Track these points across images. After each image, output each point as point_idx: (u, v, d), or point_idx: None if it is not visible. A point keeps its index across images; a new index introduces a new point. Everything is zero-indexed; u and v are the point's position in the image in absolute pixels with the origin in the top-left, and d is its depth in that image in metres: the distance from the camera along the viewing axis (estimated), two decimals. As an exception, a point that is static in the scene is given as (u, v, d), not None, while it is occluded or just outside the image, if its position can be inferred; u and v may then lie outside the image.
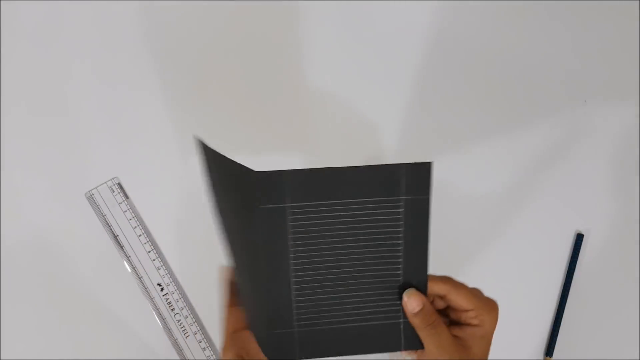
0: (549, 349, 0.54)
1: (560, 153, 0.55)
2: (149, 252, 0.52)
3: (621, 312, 0.55)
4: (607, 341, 0.55)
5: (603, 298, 0.55)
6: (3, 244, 0.51)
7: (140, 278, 0.51)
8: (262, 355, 0.38)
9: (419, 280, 0.38)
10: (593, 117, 0.55)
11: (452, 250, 0.54)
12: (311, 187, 0.37)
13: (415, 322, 0.38)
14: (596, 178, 0.55)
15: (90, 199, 0.51)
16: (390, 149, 0.54)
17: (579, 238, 0.54)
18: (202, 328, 0.52)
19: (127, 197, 0.51)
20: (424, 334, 0.38)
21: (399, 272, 0.38)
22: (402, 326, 0.39)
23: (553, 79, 0.55)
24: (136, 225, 0.51)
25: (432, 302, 0.38)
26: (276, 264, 0.38)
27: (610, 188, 0.55)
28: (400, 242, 0.38)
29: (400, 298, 0.38)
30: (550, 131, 0.55)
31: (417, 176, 0.37)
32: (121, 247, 0.51)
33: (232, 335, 0.39)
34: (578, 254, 0.54)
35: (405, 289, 0.38)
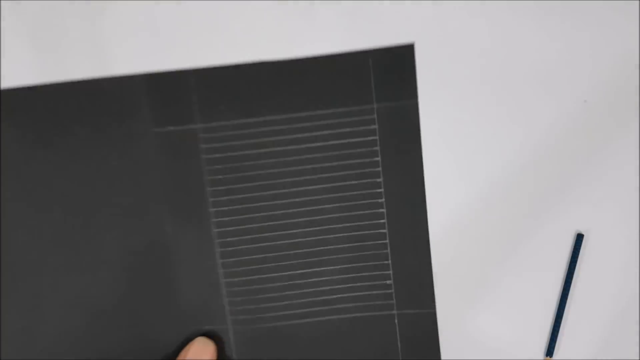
0: (550, 349, 0.54)
1: (560, 152, 0.55)
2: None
3: (622, 312, 0.55)
4: (608, 341, 0.55)
5: (604, 298, 0.55)
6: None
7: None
8: None
9: (418, 250, 0.25)
10: (593, 116, 0.55)
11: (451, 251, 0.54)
12: (231, 96, 0.23)
13: None
14: (597, 178, 0.55)
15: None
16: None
17: (579, 238, 0.54)
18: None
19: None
20: None
21: (383, 230, 0.24)
22: (396, 319, 0.27)
23: (552, 78, 0.55)
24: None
25: None
26: (190, 224, 0.24)
27: (611, 188, 0.55)
28: (379, 180, 0.24)
29: (390, 274, 0.25)
30: (550, 130, 0.55)
31: (395, 69, 0.24)
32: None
33: None
34: (578, 254, 0.54)
35: (395, 264, 0.24)
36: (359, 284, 0.24)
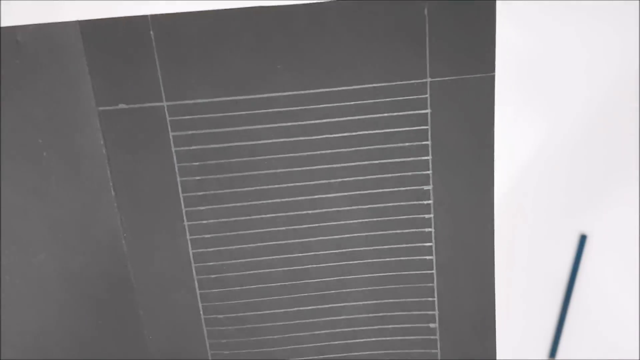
0: (553, 350, 0.55)
1: (560, 152, 0.55)
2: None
3: (624, 313, 0.55)
4: (609, 342, 0.55)
5: (606, 299, 0.55)
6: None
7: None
8: None
9: (476, 283, 0.18)
10: (593, 115, 0.55)
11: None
12: (216, 57, 0.14)
13: None
14: (599, 178, 0.55)
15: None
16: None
17: (583, 239, 0.54)
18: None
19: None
20: None
21: (429, 244, 0.17)
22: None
23: (551, 78, 0.55)
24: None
25: None
26: (163, 232, 0.16)
27: (614, 188, 0.55)
28: (428, 187, 0.16)
29: (435, 315, 0.16)
30: (550, 130, 0.55)
31: (459, 29, 0.15)
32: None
33: None
34: (581, 255, 0.54)
35: (443, 301, 0.17)
36: (390, 326, 0.15)
